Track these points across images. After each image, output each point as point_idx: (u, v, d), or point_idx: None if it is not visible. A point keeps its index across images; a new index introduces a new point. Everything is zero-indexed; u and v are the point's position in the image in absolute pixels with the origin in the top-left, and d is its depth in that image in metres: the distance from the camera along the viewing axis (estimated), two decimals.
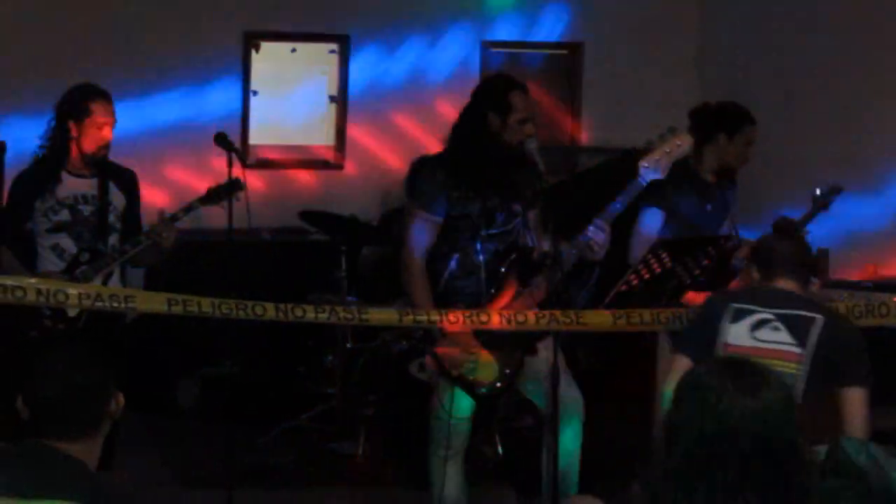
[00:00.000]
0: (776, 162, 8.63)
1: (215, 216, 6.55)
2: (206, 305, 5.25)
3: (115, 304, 5.11)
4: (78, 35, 8.98)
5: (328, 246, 8.72)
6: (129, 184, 6.51)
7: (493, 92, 6.12)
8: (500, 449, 7.84)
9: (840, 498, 3.21)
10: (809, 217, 7.10)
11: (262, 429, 8.13)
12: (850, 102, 8.80)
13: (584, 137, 10.32)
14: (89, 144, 6.26)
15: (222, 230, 6.47)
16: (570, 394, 6.05)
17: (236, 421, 7.07)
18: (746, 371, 2.83)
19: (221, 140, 6.42)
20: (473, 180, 5.96)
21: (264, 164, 9.56)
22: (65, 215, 6.28)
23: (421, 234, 6.01)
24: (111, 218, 6.36)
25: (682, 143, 5.88)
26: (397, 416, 7.90)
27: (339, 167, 9.83)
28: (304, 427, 8.27)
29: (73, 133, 6.25)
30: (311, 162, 9.85)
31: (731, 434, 2.73)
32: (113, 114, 6.33)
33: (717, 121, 6.85)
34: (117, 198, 6.41)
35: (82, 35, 8.99)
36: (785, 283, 5.17)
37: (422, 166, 6.20)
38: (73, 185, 6.32)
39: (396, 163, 9.36)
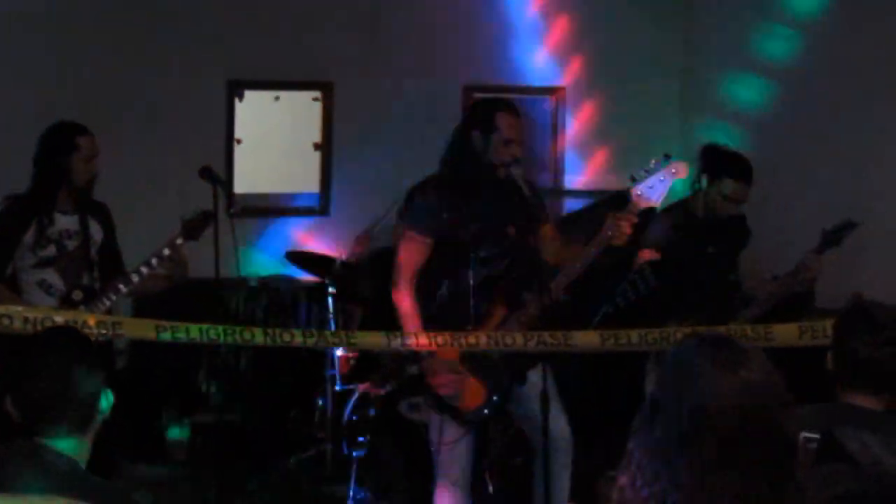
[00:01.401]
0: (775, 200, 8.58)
1: (203, 265, 6.59)
2: (194, 332, 5.25)
3: (104, 331, 5.11)
4: (63, 82, 9.00)
5: (315, 289, 8.74)
6: (105, 217, 6.64)
7: (479, 111, 6.13)
8: (490, 488, 7.81)
9: (833, 483, 3.20)
10: (819, 251, 6.69)
11: (253, 473, 8.10)
12: (842, 137, 8.80)
13: (568, 181, 10.35)
14: (79, 178, 6.39)
15: (210, 279, 6.53)
16: (560, 426, 6.02)
17: (227, 466, 7.06)
18: (727, 349, 2.81)
19: (206, 172, 6.47)
20: (464, 202, 5.96)
21: (249, 212, 9.57)
22: (51, 251, 6.37)
23: (411, 255, 6.00)
24: (92, 252, 6.47)
25: (678, 171, 5.79)
26: (389, 458, 7.88)
27: (325, 213, 9.86)
28: (296, 470, 8.23)
29: (64, 168, 6.35)
30: (296, 209, 9.88)
31: (710, 411, 2.71)
32: (97, 146, 6.47)
33: (724, 166, 6.80)
34: (96, 231, 6.53)
35: (67, 82, 9.01)
36: (865, 401, 4.03)
37: (416, 188, 6.19)
38: (61, 222, 6.42)
39: (382, 208, 9.37)
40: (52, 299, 6.30)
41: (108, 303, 6.33)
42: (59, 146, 6.40)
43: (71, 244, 6.43)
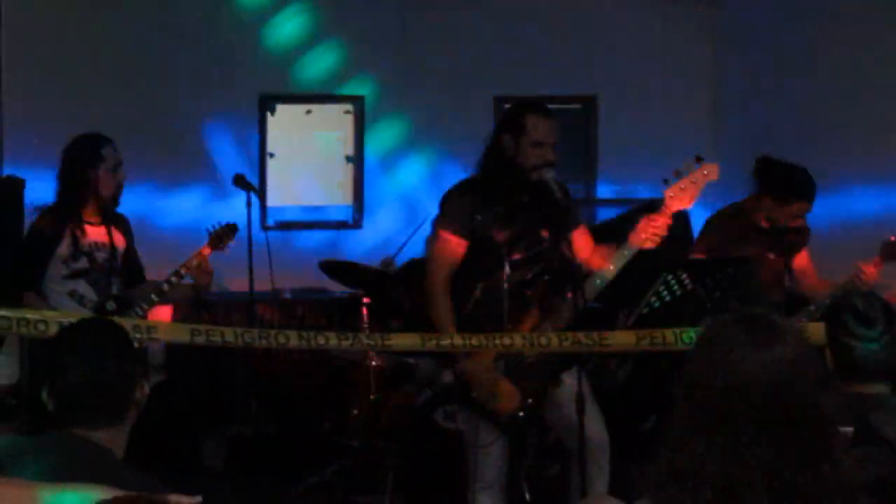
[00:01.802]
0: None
1: (237, 280, 6.70)
2: (228, 335, 5.25)
3: (138, 335, 5.12)
4: (95, 97, 9.06)
5: (349, 301, 8.75)
6: (127, 228, 6.77)
7: (511, 114, 6.14)
8: (527, 495, 7.80)
9: (868, 463, 3.18)
10: (878, 263, 6.69)
11: (289, 485, 8.10)
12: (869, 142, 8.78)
13: (601, 190, 10.35)
14: (106, 188, 6.51)
15: (245, 293, 6.64)
16: (595, 431, 5.99)
17: (262, 477, 7.07)
18: (761, 324, 2.80)
19: (240, 181, 6.55)
20: (498, 205, 5.96)
21: (283, 226, 9.60)
22: (83, 262, 6.49)
23: (445, 256, 6.00)
24: (118, 262, 6.61)
25: (709, 174, 5.79)
26: (424, 467, 7.87)
27: (358, 227, 9.88)
28: (331, 481, 8.22)
29: (91, 180, 6.46)
30: (329, 223, 9.90)
31: (743, 387, 2.70)
32: (121, 155, 6.60)
33: (784, 182, 6.81)
34: (119, 242, 6.66)
35: (99, 98, 9.07)
36: (870, 388, 3.99)
37: (450, 191, 6.20)
38: (91, 233, 6.54)
39: (414, 221, 9.38)
40: (85, 311, 6.39)
41: (140, 312, 6.45)
42: (85, 158, 6.52)
43: (100, 255, 6.55)
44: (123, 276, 6.67)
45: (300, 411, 8.86)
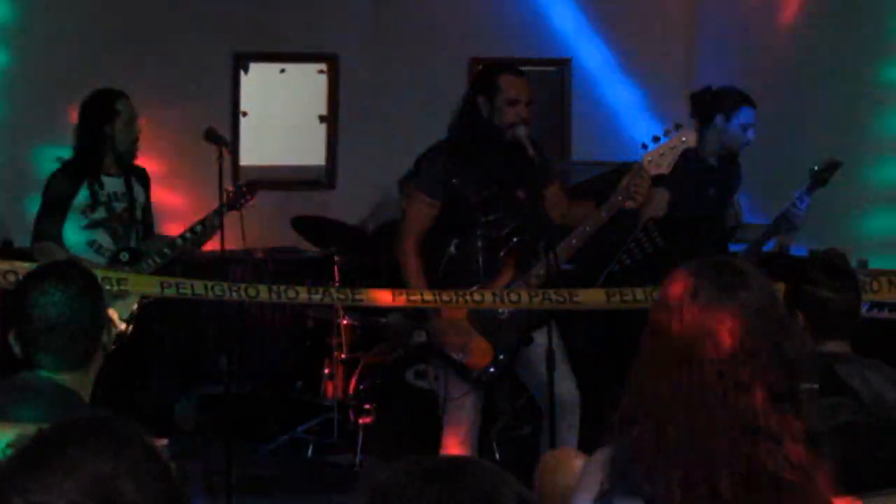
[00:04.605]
0: (776, 143, 8.52)
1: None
2: (199, 288, 5.25)
3: (108, 287, 5.11)
4: (68, 52, 9.00)
5: (322, 260, 8.74)
6: (145, 180, 6.98)
7: (483, 75, 6.16)
8: (496, 455, 7.83)
9: (835, 412, 3.20)
10: (807, 192, 6.80)
11: (261, 443, 8.11)
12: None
13: (575, 152, 10.33)
14: (123, 142, 6.72)
15: (216, 251, 6.69)
16: (566, 388, 6.02)
17: (235, 437, 7.08)
18: (727, 269, 2.81)
19: (211, 133, 6.57)
20: (473, 167, 5.97)
21: (258, 187, 9.54)
22: (101, 213, 6.69)
23: (418, 217, 6.07)
24: (137, 213, 6.80)
25: (687, 139, 5.89)
26: (395, 426, 7.88)
27: (331, 186, 9.85)
28: (303, 439, 8.24)
29: (108, 134, 6.65)
30: (302, 182, 9.86)
31: (708, 329, 2.72)
32: (135, 109, 6.81)
33: (714, 103, 6.85)
34: (139, 194, 6.86)
35: (71, 53, 9.01)
36: (839, 346, 4.07)
37: (424, 154, 6.23)
38: (109, 184, 6.72)
39: (388, 180, 9.35)
40: (102, 259, 6.58)
41: (153, 265, 6.62)
42: (101, 113, 6.71)
43: (119, 206, 6.74)
44: (141, 228, 6.85)
45: (272, 370, 8.85)
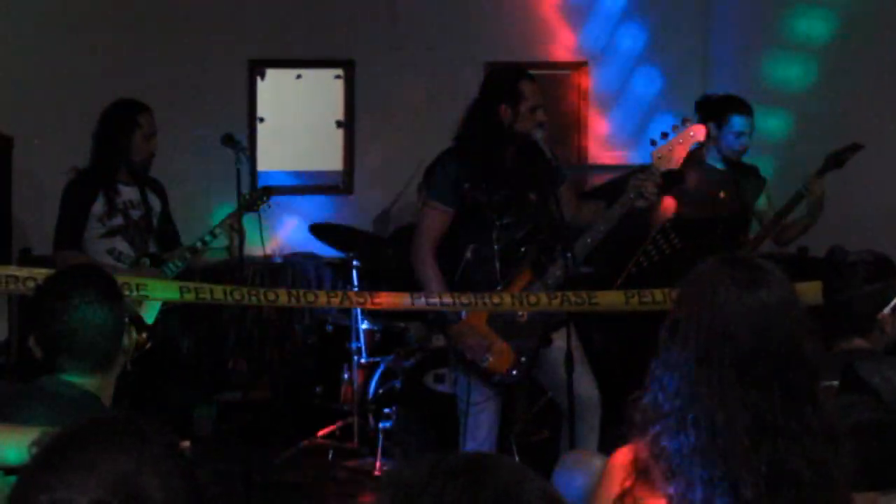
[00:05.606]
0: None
1: None
2: (218, 292, 5.25)
3: (127, 293, 5.11)
4: (86, 60, 9.02)
5: (340, 265, 8.76)
6: (161, 191, 6.99)
7: (503, 82, 6.16)
8: (516, 458, 7.80)
9: (854, 410, 3.19)
10: (821, 172, 6.81)
11: (280, 449, 8.11)
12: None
13: (591, 156, 10.33)
14: (138, 154, 6.75)
15: (235, 257, 6.73)
16: (585, 389, 6.03)
17: (254, 443, 7.09)
18: (746, 267, 2.81)
19: (228, 140, 6.60)
20: (486, 172, 5.99)
21: (273, 191, 9.56)
22: (119, 220, 6.71)
23: (432, 225, 6.06)
24: (154, 222, 6.83)
25: (696, 134, 5.90)
26: (414, 430, 7.87)
27: (349, 191, 9.86)
28: (322, 445, 8.23)
29: (125, 145, 6.68)
30: (319, 187, 9.88)
31: (727, 327, 2.72)
32: (156, 124, 6.82)
33: (709, 112, 6.97)
34: (155, 203, 6.88)
35: (89, 61, 9.03)
36: (860, 343, 4.04)
37: (437, 160, 6.23)
38: (124, 193, 6.75)
39: (405, 184, 9.36)
40: (123, 266, 6.61)
41: (175, 269, 6.67)
42: (121, 124, 6.72)
43: (135, 214, 6.77)
44: (159, 236, 6.87)
45: (291, 375, 8.86)
